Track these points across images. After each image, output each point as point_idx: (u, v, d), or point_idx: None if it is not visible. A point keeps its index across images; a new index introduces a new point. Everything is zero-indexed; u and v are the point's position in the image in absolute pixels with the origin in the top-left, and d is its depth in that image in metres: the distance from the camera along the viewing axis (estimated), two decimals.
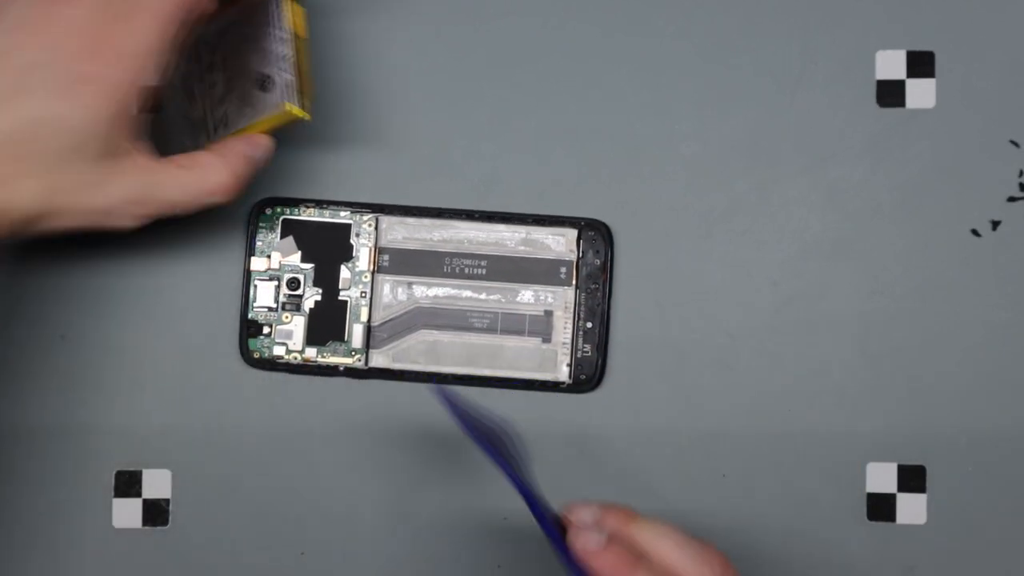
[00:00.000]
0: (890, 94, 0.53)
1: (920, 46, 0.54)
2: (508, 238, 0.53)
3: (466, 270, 0.53)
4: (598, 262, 0.53)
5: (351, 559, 0.53)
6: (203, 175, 0.47)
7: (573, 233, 0.53)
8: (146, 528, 0.53)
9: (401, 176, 0.54)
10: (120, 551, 0.53)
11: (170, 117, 0.53)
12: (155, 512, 0.53)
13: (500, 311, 0.53)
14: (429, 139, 0.54)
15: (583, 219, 0.53)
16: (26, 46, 0.43)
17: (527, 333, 0.53)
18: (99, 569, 0.53)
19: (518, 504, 0.53)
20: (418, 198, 0.53)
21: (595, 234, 0.53)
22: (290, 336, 0.53)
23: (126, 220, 0.46)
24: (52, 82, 0.42)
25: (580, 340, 0.53)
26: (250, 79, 0.50)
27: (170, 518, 0.53)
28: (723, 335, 0.53)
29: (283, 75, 0.48)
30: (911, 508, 0.53)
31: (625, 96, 0.54)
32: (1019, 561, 0.53)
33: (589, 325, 0.53)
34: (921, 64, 0.53)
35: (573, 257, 0.53)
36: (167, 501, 0.53)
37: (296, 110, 0.48)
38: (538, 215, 0.53)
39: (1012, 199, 0.53)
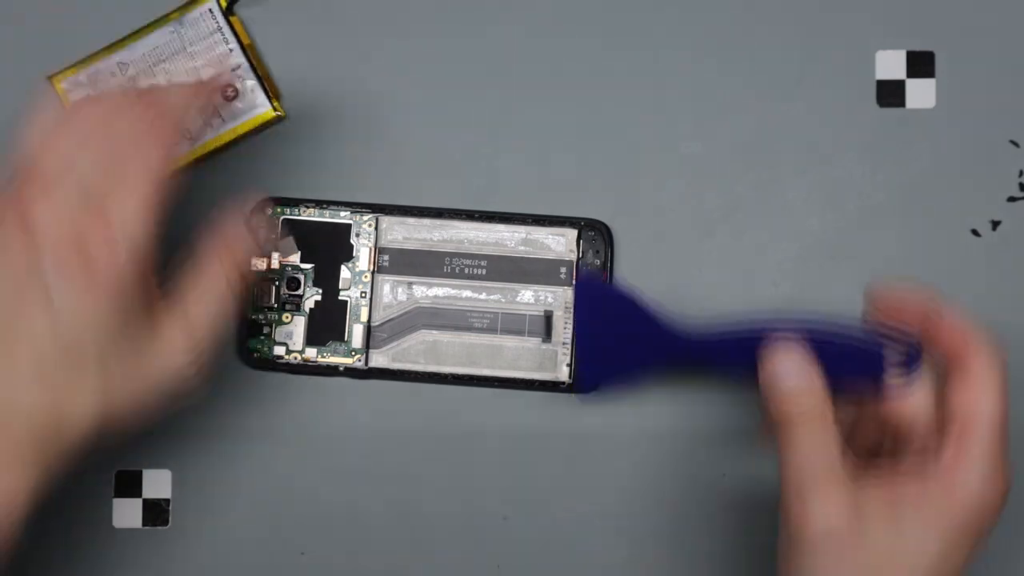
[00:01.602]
0: (890, 94, 0.53)
1: (920, 46, 0.54)
2: (508, 238, 0.53)
3: (466, 270, 0.53)
4: (598, 262, 0.53)
5: (351, 559, 0.53)
6: (209, 274, 0.45)
7: (573, 233, 0.53)
8: (146, 528, 0.53)
9: (401, 176, 0.54)
10: (120, 551, 0.53)
11: None
12: (155, 512, 0.53)
13: (500, 311, 0.53)
14: (429, 139, 0.54)
15: (583, 219, 0.53)
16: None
17: (527, 333, 0.53)
18: (99, 569, 0.53)
19: (518, 504, 0.53)
20: (418, 198, 0.53)
21: (595, 234, 0.53)
22: (290, 336, 0.53)
23: (190, 371, 0.44)
24: (57, 289, 0.41)
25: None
26: None
27: (170, 518, 0.53)
28: None
29: (246, 82, 0.52)
30: None
31: (625, 96, 0.54)
32: (1020, 561, 0.53)
33: None
34: (921, 64, 0.53)
35: (573, 257, 0.53)
36: (167, 501, 0.53)
37: (274, 110, 0.53)
38: (538, 215, 0.53)
39: (1012, 199, 0.53)
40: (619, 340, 0.47)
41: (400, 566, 0.54)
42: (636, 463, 0.53)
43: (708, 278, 0.53)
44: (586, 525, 0.53)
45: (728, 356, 0.46)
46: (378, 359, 0.53)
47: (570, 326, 0.53)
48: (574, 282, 0.52)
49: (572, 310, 0.51)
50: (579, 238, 0.53)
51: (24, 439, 0.41)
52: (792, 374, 0.44)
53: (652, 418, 0.53)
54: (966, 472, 0.42)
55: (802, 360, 0.44)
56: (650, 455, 0.53)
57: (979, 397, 0.42)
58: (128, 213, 0.41)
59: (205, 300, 0.45)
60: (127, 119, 0.43)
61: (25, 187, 0.42)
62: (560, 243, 0.53)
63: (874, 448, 0.46)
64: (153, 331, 0.43)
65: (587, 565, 0.53)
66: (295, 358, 0.53)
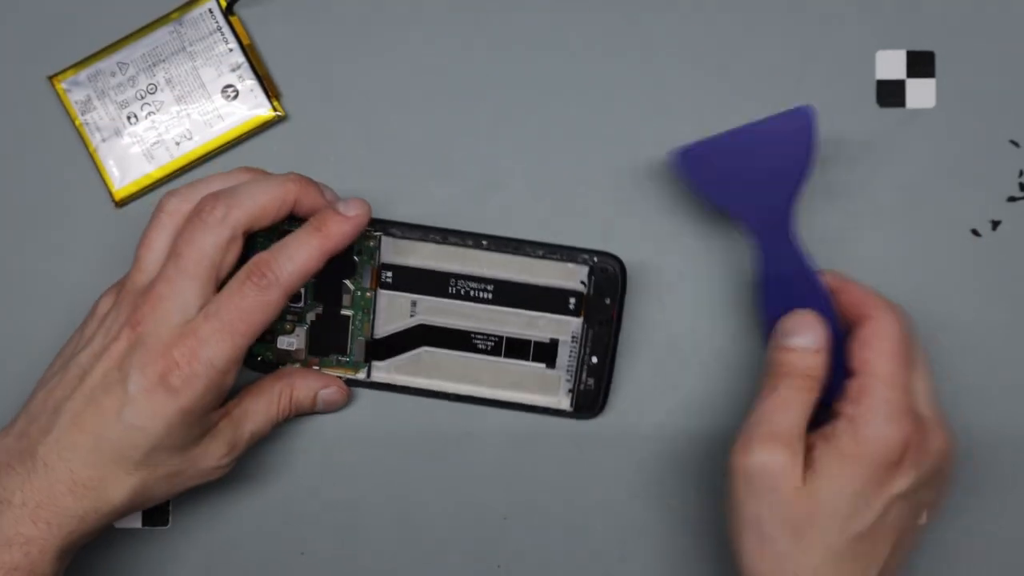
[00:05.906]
0: (890, 94, 0.53)
1: (920, 46, 0.54)
2: (516, 263, 0.51)
3: (472, 292, 0.51)
4: (607, 300, 0.51)
5: (351, 559, 0.53)
6: (269, 399, 0.51)
7: (584, 269, 0.51)
8: (146, 528, 0.53)
9: (401, 178, 0.54)
10: (120, 551, 0.53)
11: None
12: (155, 512, 0.53)
13: (504, 335, 0.52)
14: (429, 139, 0.54)
15: (595, 252, 0.50)
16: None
17: (531, 358, 0.52)
18: (99, 569, 0.53)
19: (518, 504, 0.53)
20: (419, 201, 0.53)
21: (607, 269, 0.50)
22: (292, 345, 0.52)
23: (220, 472, 0.49)
24: (137, 393, 0.45)
25: (584, 372, 0.52)
26: (208, 93, 0.53)
27: (170, 518, 0.54)
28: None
29: (246, 82, 0.53)
30: None
31: (625, 95, 0.54)
32: (1020, 561, 0.53)
33: (595, 360, 0.52)
34: (921, 64, 0.53)
35: (583, 289, 0.51)
36: (167, 501, 0.53)
37: (274, 110, 0.53)
38: (550, 244, 0.51)
39: (1012, 199, 0.53)
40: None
41: (400, 566, 0.54)
42: (636, 463, 0.53)
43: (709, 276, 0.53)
44: (586, 526, 0.53)
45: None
46: (379, 374, 0.53)
47: (575, 355, 0.52)
48: (677, 152, 0.50)
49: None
50: (591, 273, 0.51)
51: (71, 508, 0.46)
52: (809, 335, 0.47)
53: (653, 418, 0.53)
54: (865, 426, 0.45)
55: (822, 330, 0.47)
56: (650, 455, 0.53)
57: (873, 357, 0.46)
58: (216, 355, 0.45)
59: (255, 420, 0.50)
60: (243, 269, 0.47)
61: (143, 293, 0.47)
62: (570, 274, 0.51)
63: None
64: (202, 439, 0.48)
65: (587, 565, 0.53)
66: (296, 364, 0.53)
